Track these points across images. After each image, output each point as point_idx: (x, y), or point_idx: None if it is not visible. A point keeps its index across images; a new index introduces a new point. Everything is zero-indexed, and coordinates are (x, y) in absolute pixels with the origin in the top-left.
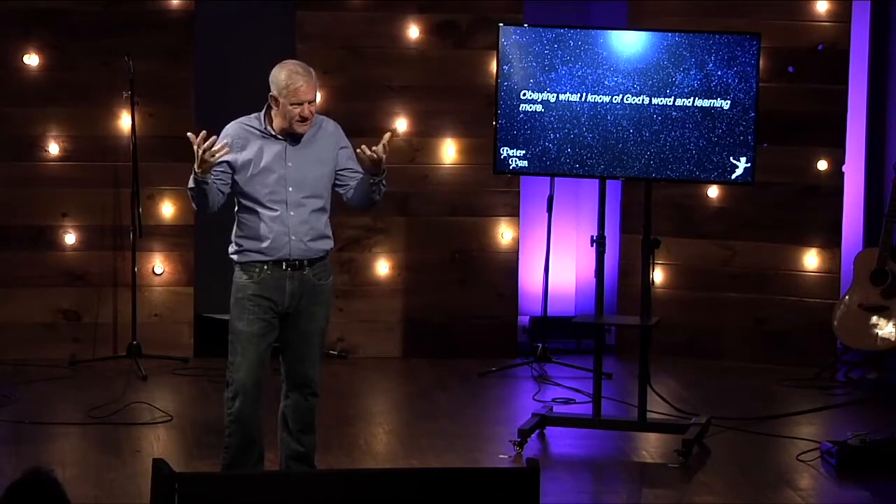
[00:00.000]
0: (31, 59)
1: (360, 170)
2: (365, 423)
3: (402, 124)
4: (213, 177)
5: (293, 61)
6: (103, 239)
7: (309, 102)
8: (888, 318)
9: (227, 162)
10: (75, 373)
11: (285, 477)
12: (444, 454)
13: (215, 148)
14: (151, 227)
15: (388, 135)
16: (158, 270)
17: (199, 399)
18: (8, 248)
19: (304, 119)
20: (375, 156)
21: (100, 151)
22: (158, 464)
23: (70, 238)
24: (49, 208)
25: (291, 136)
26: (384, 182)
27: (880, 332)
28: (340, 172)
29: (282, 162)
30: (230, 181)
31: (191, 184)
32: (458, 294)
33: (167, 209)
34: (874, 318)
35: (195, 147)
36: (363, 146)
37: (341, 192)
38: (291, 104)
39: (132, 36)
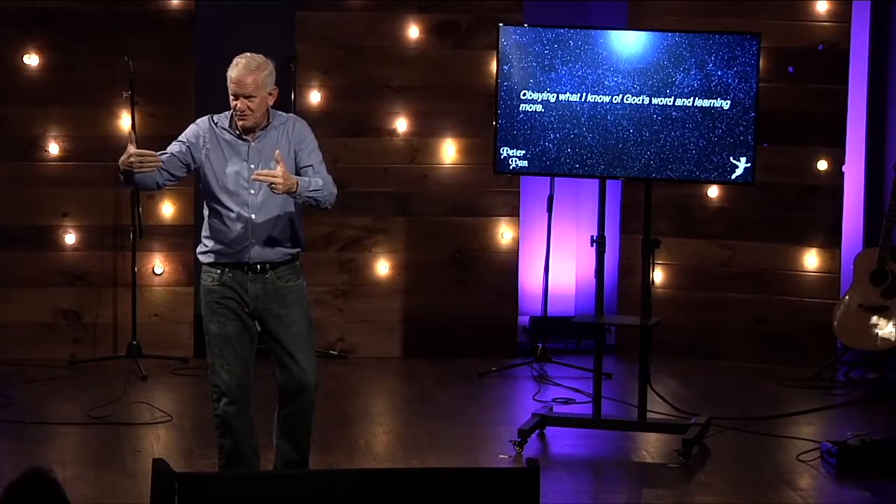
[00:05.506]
0: (31, 59)
1: (311, 164)
2: (365, 423)
3: (402, 124)
4: (165, 157)
5: (250, 54)
6: (103, 239)
7: (247, 97)
8: (888, 318)
9: (189, 147)
10: (75, 373)
11: (285, 477)
12: (444, 454)
13: (150, 160)
14: (151, 227)
15: (277, 152)
16: (158, 270)
17: (199, 399)
18: (8, 248)
19: (241, 115)
20: (273, 180)
21: (100, 151)
22: (158, 464)
23: (70, 238)
24: (49, 208)
25: (253, 135)
26: (313, 195)
27: (880, 332)
28: (300, 171)
29: (244, 163)
30: (184, 165)
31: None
32: (458, 294)
33: (167, 209)
34: (874, 318)
35: (131, 152)
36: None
37: None
38: (231, 96)
39: (132, 36)
